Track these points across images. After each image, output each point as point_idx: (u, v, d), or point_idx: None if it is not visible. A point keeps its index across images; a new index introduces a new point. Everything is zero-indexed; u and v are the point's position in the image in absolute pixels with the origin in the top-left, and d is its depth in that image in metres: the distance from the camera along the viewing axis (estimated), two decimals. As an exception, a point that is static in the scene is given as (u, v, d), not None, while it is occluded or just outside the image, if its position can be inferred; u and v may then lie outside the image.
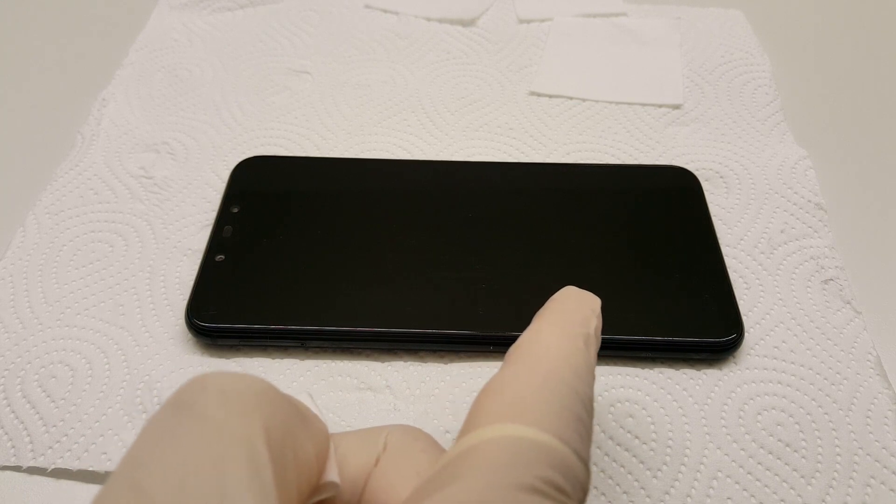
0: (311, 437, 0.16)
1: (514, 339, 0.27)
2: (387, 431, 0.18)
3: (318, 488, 0.17)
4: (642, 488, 0.25)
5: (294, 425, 0.16)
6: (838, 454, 0.25)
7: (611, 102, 0.39)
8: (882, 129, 0.39)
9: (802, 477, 0.25)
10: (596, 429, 0.26)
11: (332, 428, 0.25)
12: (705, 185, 0.34)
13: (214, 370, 0.16)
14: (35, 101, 0.40)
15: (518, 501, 0.14)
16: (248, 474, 0.14)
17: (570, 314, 0.20)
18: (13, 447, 0.25)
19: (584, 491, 0.16)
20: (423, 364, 0.28)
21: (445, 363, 0.28)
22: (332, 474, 0.17)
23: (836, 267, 0.31)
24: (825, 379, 0.28)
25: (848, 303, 0.30)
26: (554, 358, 0.18)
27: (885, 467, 0.25)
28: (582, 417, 0.17)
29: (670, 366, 0.28)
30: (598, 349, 0.20)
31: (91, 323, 0.29)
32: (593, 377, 0.19)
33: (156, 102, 0.39)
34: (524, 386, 0.17)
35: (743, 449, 0.26)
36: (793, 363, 0.28)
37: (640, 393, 0.27)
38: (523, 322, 0.28)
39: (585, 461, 0.17)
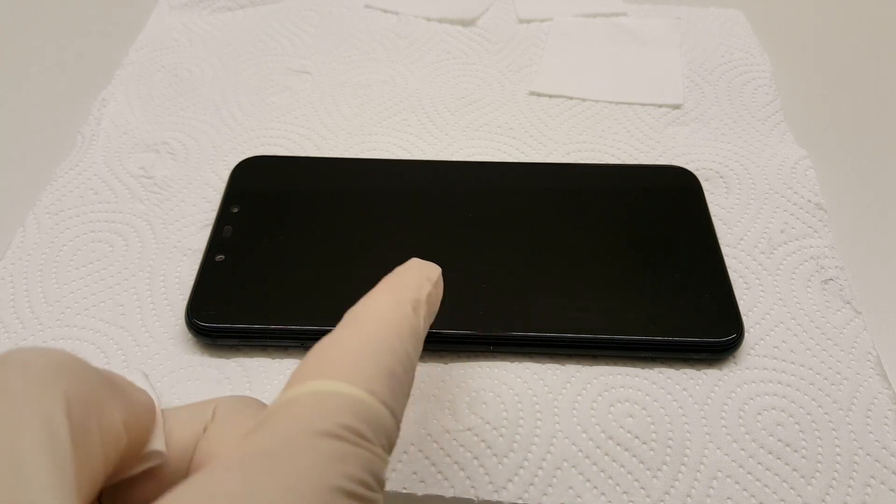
0: (121, 406, 0.17)
1: (514, 338, 0.28)
2: (216, 402, 0.19)
3: (143, 457, 0.17)
4: (642, 488, 0.25)
5: (100, 395, 0.16)
6: (838, 454, 0.25)
7: (611, 102, 0.39)
8: (882, 129, 0.39)
9: (802, 477, 0.25)
10: (596, 429, 0.26)
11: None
12: (705, 185, 0.34)
13: (18, 347, 0.17)
14: (35, 101, 0.40)
15: (313, 445, 0.16)
16: (43, 440, 0.14)
17: (405, 281, 0.21)
18: (13, 447, 0.25)
19: (390, 438, 0.18)
20: (423, 364, 0.28)
21: (445, 363, 0.28)
22: (158, 443, 0.18)
23: (836, 267, 0.31)
24: (825, 379, 0.28)
25: (848, 303, 0.30)
26: (378, 320, 0.19)
27: (885, 467, 0.25)
28: (396, 373, 0.18)
29: (670, 366, 0.28)
30: (431, 315, 0.21)
31: (91, 323, 0.29)
32: (418, 340, 0.20)
33: (156, 102, 0.39)
34: (343, 346, 0.18)
35: (743, 449, 0.26)
36: (793, 363, 0.28)
37: (640, 393, 0.27)
38: (523, 322, 0.28)
39: (394, 412, 0.18)
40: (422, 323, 0.20)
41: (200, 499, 0.14)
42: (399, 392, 0.18)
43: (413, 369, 0.20)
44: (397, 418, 0.18)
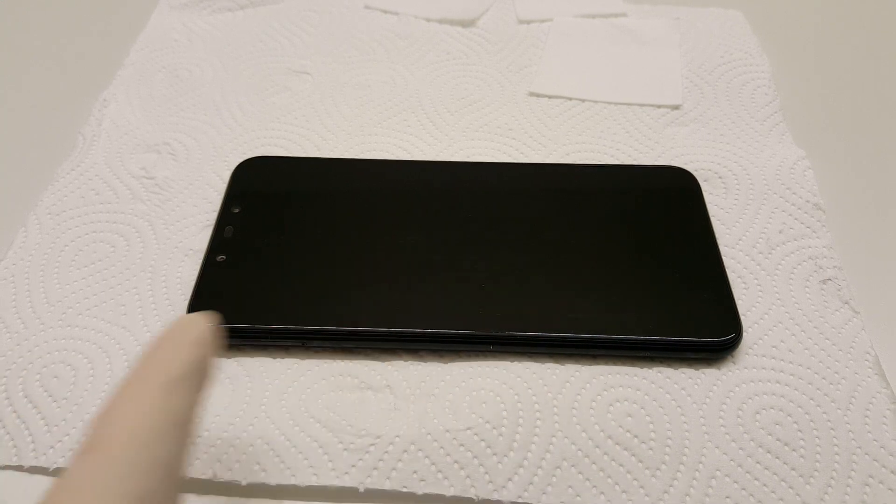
0: None
1: (514, 338, 0.28)
2: None
3: None
4: (641, 487, 0.25)
5: None
6: (837, 453, 0.26)
7: (610, 103, 0.39)
8: (882, 129, 0.39)
9: (801, 476, 0.25)
10: (595, 428, 0.26)
11: (333, 427, 0.26)
12: (704, 186, 0.34)
13: None
14: (36, 102, 0.40)
15: None
16: None
17: (159, 357, 0.18)
18: (15, 447, 0.26)
19: None
20: (423, 364, 0.28)
21: (445, 363, 0.28)
22: None
23: (835, 267, 0.31)
24: (823, 378, 0.28)
25: (846, 303, 0.30)
26: (123, 434, 0.17)
27: (884, 466, 0.25)
28: (151, 490, 0.16)
29: (669, 365, 0.28)
30: (202, 383, 0.19)
31: (93, 323, 0.29)
32: (183, 425, 0.18)
33: (156, 103, 0.39)
34: (82, 480, 0.16)
35: (741, 448, 0.26)
36: (791, 363, 0.28)
37: (639, 392, 0.27)
38: (523, 322, 0.28)
39: None
40: (184, 403, 0.18)
41: None
42: None
43: (182, 462, 0.17)
44: None
